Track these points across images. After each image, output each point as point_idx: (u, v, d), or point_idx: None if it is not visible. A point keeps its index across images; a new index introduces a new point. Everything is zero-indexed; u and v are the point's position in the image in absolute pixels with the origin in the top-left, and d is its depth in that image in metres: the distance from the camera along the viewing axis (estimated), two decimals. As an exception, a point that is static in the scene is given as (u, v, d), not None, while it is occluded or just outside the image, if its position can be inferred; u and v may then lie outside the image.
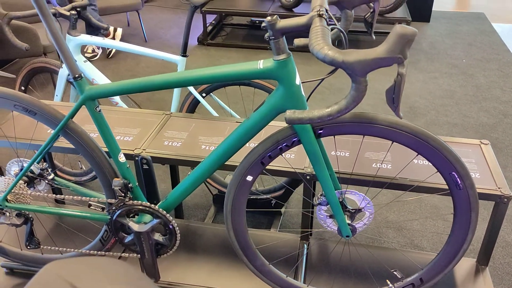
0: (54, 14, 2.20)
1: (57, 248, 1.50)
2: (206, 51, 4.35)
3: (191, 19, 2.18)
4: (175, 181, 2.09)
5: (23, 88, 2.50)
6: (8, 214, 1.41)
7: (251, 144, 1.75)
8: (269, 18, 1.02)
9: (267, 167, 1.58)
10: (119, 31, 4.28)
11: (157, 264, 1.46)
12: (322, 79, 1.09)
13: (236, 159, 1.55)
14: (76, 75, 1.21)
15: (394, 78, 0.85)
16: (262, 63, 1.10)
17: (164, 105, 3.40)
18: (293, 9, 4.30)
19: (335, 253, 1.73)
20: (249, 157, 1.23)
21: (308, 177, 1.58)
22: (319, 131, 1.17)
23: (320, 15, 0.98)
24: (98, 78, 2.26)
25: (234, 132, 1.22)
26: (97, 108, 1.26)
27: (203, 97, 2.24)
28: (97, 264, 0.53)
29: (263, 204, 2.30)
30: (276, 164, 1.61)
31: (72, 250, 1.49)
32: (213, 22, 4.92)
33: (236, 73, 1.11)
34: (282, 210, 2.33)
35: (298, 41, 1.21)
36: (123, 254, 1.56)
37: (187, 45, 2.23)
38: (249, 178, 1.26)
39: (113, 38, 4.27)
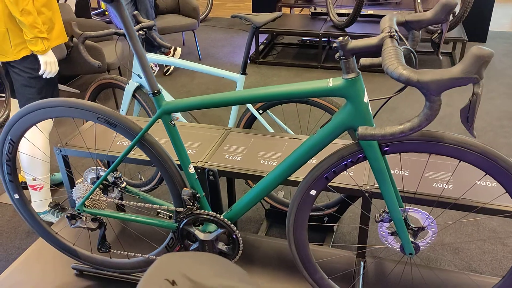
0: (123, 34, 2.35)
1: (125, 252, 1.59)
2: (258, 69, 4.45)
3: (252, 39, 2.27)
4: (231, 194, 2.16)
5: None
6: (84, 218, 1.51)
7: (313, 161, 1.79)
8: (340, 38, 1.07)
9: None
10: (179, 50, 4.48)
11: None
12: (390, 98, 1.13)
13: (298, 175, 1.59)
14: (155, 91, 1.30)
15: (469, 97, 0.88)
16: (331, 81, 1.15)
17: (218, 121, 3.50)
18: (345, 29, 4.34)
19: (393, 273, 1.72)
20: (314, 172, 1.27)
21: (367, 194, 1.59)
22: (385, 148, 1.19)
23: (391, 36, 1.02)
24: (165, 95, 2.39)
25: (300, 147, 1.26)
26: (171, 122, 1.35)
27: (260, 114, 2.32)
28: (203, 259, 0.59)
29: (315, 221, 2.32)
30: (335, 180, 1.64)
31: (140, 255, 1.57)
32: (265, 41, 5.04)
33: (307, 90, 1.17)
34: (335, 227, 2.34)
35: (364, 61, 1.25)
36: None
37: (246, 64, 2.32)
38: (313, 192, 1.30)
39: (173, 56, 4.47)
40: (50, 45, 2.19)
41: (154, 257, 1.55)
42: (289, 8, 5.64)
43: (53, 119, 2.42)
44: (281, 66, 4.52)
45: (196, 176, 1.42)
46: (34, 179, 2.35)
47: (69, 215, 1.51)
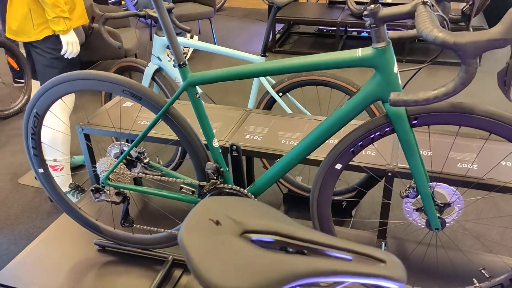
0: (144, 16, 2.36)
1: (148, 227, 1.60)
2: (274, 58, 4.44)
3: (273, 19, 2.26)
4: (250, 173, 2.15)
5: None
6: (108, 192, 1.52)
7: (334, 141, 1.78)
8: (372, 6, 1.06)
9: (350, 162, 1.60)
10: (195, 38, 4.50)
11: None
12: (421, 68, 1.11)
13: (319, 154, 1.59)
14: (181, 62, 1.30)
15: (507, 60, 0.86)
16: (360, 51, 1.13)
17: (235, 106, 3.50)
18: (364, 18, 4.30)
19: (415, 253, 1.71)
20: (340, 145, 1.26)
21: (389, 174, 1.58)
22: (414, 121, 1.18)
23: (424, 3, 1.00)
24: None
25: (325, 121, 1.25)
26: (196, 95, 1.35)
27: (280, 97, 2.31)
28: (245, 203, 0.59)
29: (333, 206, 2.31)
30: (358, 159, 1.63)
31: (162, 230, 1.58)
32: (281, 30, 5.02)
33: (335, 61, 1.15)
34: (353, 212, 2.33)
35: (393, 34, 1.23)
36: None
37: (267, 46, 2.31)
38: (338, 166, 1.29)
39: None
40: (72, 25, 2.20)
41: (176, 232, 1.55)
42: (306, -3, 5.60)
43: (73, 102, 2.44)
44: (298, 55, 4.50)
45: (220, 150, 1.42)
46: (55, 160, 2.37)
47: (93, 188, 1.53)
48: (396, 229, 2.17)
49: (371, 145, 1.74)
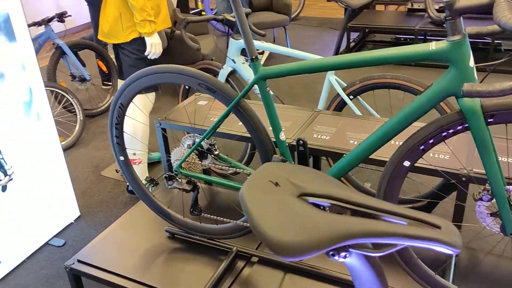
0: (222, 20, 2.47)
1: (215, 217, 1.66)
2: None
3: (347, 22, 2.26)
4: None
5: (187, 87, 2.83)
6: (180, 180, 1.61)
7: (397, 142, 1.74)
8: (448, -3, 1.04)
9: (421, 165, 1.55)
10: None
11: None
12: (499, 62, 1.06)
13: (384, 155, 1.56)
14: (254, 56, 1.36)
15: None
16: (434, 45, 1.11)
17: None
18: (444, 25, 4.14)
19: (487, 258, 1.61)
20: (410, 141, 1.24)
21: (464, 179, 1.51)
22: (490, 119, 1.13)
23: (504, -6, 0.97)
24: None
25: (399, 113, 1.23)
26: (267, 88, 1.39)
27: (351, 100, 2.29)
28: (303, 169, 0.62)
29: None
30: (430, 160, 1.58)
31: (229, 221, 1.63)
32: (356, 38, 4.97)
33: (408, 54, 1.14)
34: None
35: (470, 30, 1.19)
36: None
37: (339, 48, 2.32)
38: (406, 163, 1.27)
39: (261, 54, 4.58)
40: (156, 28, 2.36)
41: (242, 223, 1.60)
42: (383, 6, 5.49)
43: (153, 100, 2.61)
44: (372, 63, 4.40)
45: (287, 144, 1.45)
46: (134, 154, 2.54)
47: (167, 176, 1.62)
48: (466, 233, 2.05)
49: (446, 148, 1.67)
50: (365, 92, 2.27)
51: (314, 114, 2.07)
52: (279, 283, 1.60)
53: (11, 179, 2.13)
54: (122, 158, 1.74)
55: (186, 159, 1.59)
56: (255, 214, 0.55)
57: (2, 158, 2.07)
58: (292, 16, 6.09)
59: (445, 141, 1.24)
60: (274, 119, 1.42)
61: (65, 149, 3.18)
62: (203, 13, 6.65)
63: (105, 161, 3.10)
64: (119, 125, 1.67)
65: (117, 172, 2.88)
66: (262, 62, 4.51)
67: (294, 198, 0.56)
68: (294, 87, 3.99)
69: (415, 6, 4.63)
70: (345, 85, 2.33)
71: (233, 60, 2.51)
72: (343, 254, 0.55)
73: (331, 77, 2.40)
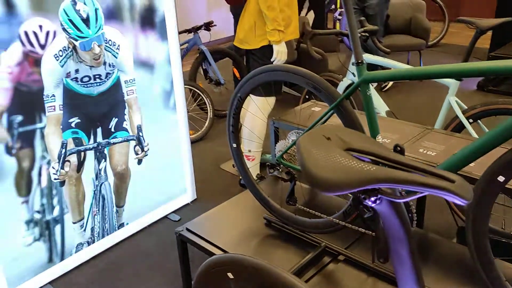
0: (346, 34, 2.59)
1: (309, 210, 1.77)
2: (485, 98, 4.01)
3: (474, 43, 2.20)
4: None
5: (306, 96, 3.00)
6: (280, 170, 1.77)
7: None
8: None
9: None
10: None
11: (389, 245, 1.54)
12: None
13: (477, 172, 1.50)
14: (359, 60, 1.46)
15: None
16: None
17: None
18: None
19: None
20: (507, 156, 1.21)
21: None
22: None
23: None
24: (376, 101, 2.53)
25: (501, 124, 1.21)
26: (368, 92, 1.47)
27: (470, 123, 2.22)
28: (356, 133, 0.72)
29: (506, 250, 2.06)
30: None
31: (321, 215, 1.73)
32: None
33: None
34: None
35: None
36: (359, 229, 1.70)
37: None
38: (501, 178, 1.24)
39: (386, 85, 4.52)
40: (284, 38, 2.59)
41: (334, 220, 1.68)
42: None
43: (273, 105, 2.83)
44: (512, 96, 4.02)
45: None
46: (249, 151, 2.78)
47: (269, 164, 1.79)
48: None
49: None
50: (486, 117, 2.18)
51: (425, 131, 2.06)
52: (360, 284, 1.63)
53: (147, 155, 2.52)
54: (234, 145, 1.96)
55: (288, 151, 1.73)
56: (305, 156, 0.67)
57: (142, 136, 2.46)
58: (433, 42, 5.91)
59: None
60: (372, 122, 1.49)
61: (193, 142, 3.59)
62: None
63: (225, 157, 3.42)
64: (236, 116, 1.89)
65: (233, 167, 3.16)
66: (388, 87, 4.48)
67: (341, 150, 0.67)
68: (420, 111, 3.90)
69: None
70: (466, 107, 2.26)
71: (353, 73, 2.61)
72: (373, 198, 0.64)
73: (451, 98, 2.34)
